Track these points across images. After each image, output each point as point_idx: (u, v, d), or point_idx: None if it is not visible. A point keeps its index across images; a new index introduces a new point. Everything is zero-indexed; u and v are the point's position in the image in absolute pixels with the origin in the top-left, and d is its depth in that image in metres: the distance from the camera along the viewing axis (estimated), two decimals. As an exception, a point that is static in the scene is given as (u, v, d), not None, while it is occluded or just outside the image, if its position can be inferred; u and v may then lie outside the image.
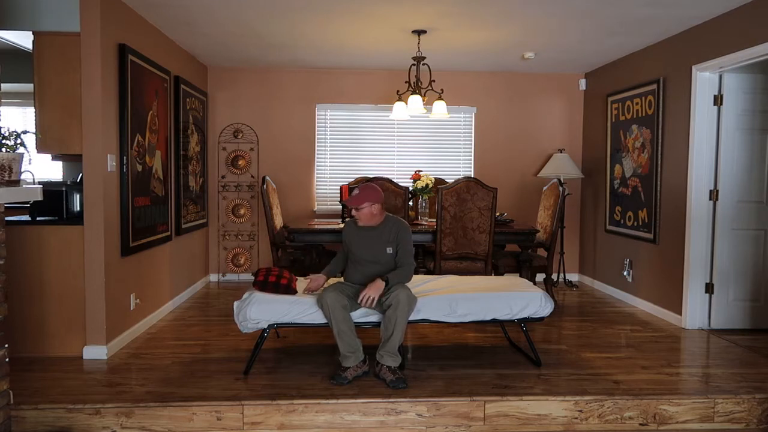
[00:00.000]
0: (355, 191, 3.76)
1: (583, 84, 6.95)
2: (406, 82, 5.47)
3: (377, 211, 3.78)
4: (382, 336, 3.59)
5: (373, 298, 3.56)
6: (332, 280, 3.99)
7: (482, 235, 4.90)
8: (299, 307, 3.64)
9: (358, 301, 3.59)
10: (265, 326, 3.67)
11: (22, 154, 2.91)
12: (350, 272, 3.91)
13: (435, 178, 5.93)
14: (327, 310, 3.54)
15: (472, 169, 6.95)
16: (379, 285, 3.58)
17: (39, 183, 3.18)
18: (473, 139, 6.96)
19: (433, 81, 5.52)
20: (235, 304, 3.72)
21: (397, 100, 5.47)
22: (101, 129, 3.99)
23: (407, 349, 4.29)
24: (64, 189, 4.07)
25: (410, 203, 5.72)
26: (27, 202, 3.80)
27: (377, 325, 3.68)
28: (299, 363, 3.91)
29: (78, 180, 4.34)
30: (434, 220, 5.10)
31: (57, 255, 3.96)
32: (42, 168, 5.47)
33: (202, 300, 5.88)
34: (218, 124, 6.77)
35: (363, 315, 3.70)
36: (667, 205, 5.23)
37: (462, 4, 4.36)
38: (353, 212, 3.79)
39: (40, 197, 3.00)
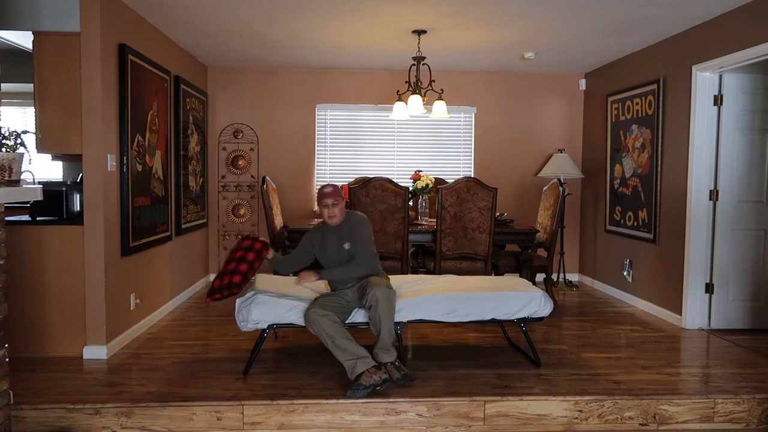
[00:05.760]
0: (328, 188, 3.72)
1: (583, 84, 6.95)
2: (406, 82, 5.47)
3: (344, 208, 3.78)
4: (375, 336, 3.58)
5: (298, 279, 3.73)
6: (324, 285, 3.97)
7: (482, 235, 4.90)
8: (299, 310, 3.62)
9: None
10: (265, 326, 3.67)
11: (22, 154, 2.92)
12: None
13: (435, 178, 5.93)
14: (314, 326, 3.45)
15: (472, 169, 6.95)
16: (309, 275, 3.69)
17: (39, 183, 3.18)
18: (473, 139, 6.96)
19: (433, 81, 5.52)
20: (238, 301, 3.68)
21: (397, 100, 5.47)
22: (101, 129, 3.99)
23: (407, 349, 4.29)
24: (64, 189, 4.07)
25: (410, 203, 5.71)
26: (27, 202, 3.80)
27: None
28: (299, 363, 3.91)
29: (78, 180, 4.34)
30: (434, 220, 5.10)
31: (57, 255, 3.96)
32: (42, 168, 5.47)
33: (202, 300, 5.87)
34: (218, 124, 6.77)
35: (363, 316, 3.69)
36: (667, 205, 5.23)
37: (462, 4, 4.36)
38: (328, 210, 3.70)
39: (40, 197, 3.00)
